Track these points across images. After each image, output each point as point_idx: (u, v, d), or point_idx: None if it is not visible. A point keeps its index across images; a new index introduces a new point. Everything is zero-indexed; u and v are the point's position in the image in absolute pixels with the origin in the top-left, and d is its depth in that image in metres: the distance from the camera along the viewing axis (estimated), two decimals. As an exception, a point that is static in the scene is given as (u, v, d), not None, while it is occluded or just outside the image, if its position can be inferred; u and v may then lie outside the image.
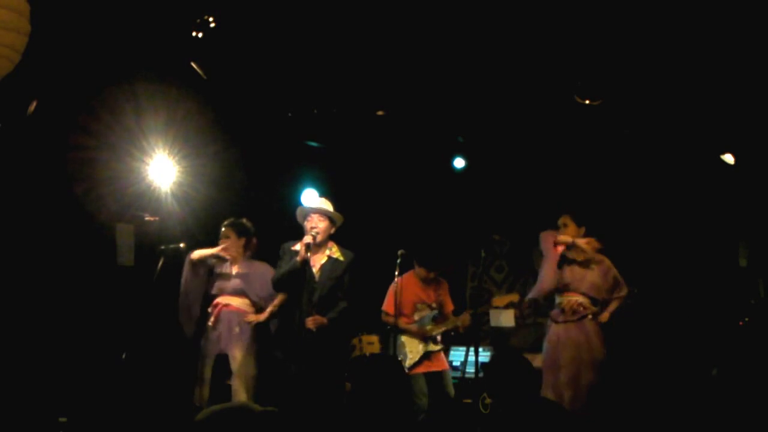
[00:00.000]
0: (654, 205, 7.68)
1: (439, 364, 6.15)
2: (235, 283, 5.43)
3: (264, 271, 5.53)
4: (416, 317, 6.18)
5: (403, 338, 6.14)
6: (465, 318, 6.17)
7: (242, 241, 5.49)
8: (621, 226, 7.71)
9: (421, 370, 6.08)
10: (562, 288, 5.57)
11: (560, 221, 5.70)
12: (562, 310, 5.54)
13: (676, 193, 7.58)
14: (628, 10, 5.33)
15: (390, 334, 6.23)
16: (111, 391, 5.45)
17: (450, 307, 6.26)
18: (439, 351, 6.16)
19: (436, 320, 6.14)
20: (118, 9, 5.06)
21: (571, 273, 5.56)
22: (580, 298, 5.51)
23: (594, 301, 5.54)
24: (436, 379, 6.09)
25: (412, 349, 6.09)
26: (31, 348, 5.39)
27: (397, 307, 6.01)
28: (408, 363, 6.08)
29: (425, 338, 6.10)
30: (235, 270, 5.48)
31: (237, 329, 5.35)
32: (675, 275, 7.44)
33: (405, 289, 6.19)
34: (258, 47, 5.90)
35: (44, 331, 5.49)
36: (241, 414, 2.23)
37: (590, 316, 5.49)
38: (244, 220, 5.57)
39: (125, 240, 6.09)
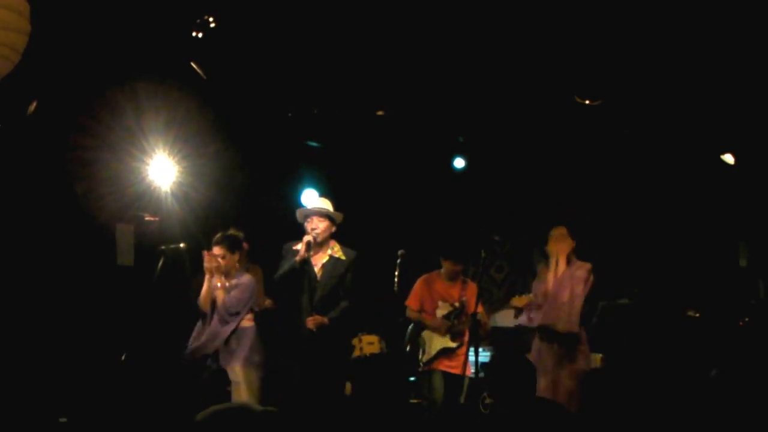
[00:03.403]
0: (654, 206, 7.69)
1: (457, 367, 6.10)
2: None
3: (243, 284, 5.32)
4: (438, 314, 6.18)
5: (424, 334, 6.15)
6: (483, 316, 6.09)
7: (237, 255, 5.40)
8: (621, 226, 7.73)
9: (437, 366, 6.05)
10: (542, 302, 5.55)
11: (556, 232, 5.61)
12: None
13: (677, 193, 7.59)
14: (627, 10, 5.33)
15: (406, 333, 6.26)
16: (111, 391, 5.45)
17: (473, 309, 6.20)
18: (458, 350, 6.09)
19: (457, 317, 6.11)
20: (117, 9, 5.06)
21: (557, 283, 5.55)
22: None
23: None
24: (452, 381, 6.07)
25: (429, 345, 6.09)
26: (31, 348, 5.39)
27: (420, 301, 6.12)
28: (424, 358, 6.07)
29: (444, 332, 6.09)
30: (228, 285, 5.42)
31: (234, 345, 5.29)
32: (675, 275, 7.45)
33: (429, 287, 6.21)
34: (258, 47, 5.90)
35: (44, 331, 5.49)
36: (241, 414, 2.23)
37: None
38: (232, 232, 5.40)
39: (125, 240, 6.09)
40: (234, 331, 5.27)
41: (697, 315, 7.01)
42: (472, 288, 6.21)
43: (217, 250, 5.27)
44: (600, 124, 7.18)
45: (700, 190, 7.51)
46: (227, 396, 5.23)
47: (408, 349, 6.27)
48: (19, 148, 5.34)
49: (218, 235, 5.33)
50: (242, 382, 5.19)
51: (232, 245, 5.33)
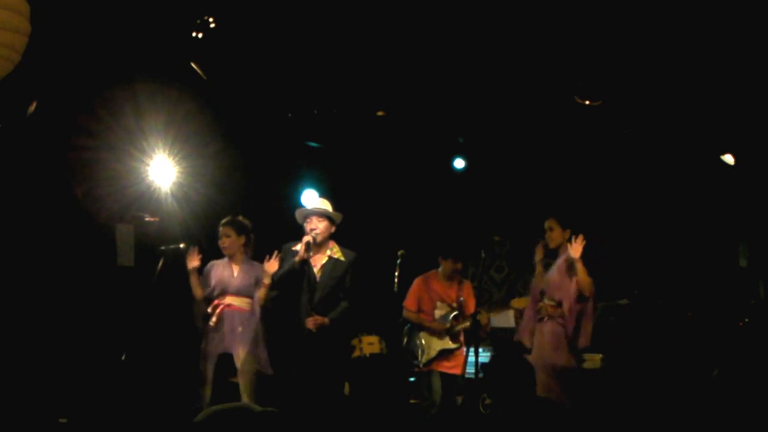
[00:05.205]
0: (654, 206, 7.69)
1: (455, 367, 6.10)
2: (237, 282, 5.41)
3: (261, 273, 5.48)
4: (436, 315, 6.18)
5: (422, 334, 6.14)
6: (483, 317, 6.08)
7: (242, 239, 5.44)
8: (621, 227, 7.72)
9: (436, 367, 6.06)
10: (540, 296, 5.55)
11: (546, 225, 5.62)
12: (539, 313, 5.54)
13: (677, 193, 7.59)
14: (627, 10, 5.33)
15: (403, 330, 6.26)
16: (111, 391, 5.45)
17: (472, 308, 6.20)
18: (456, 351, 6.10)
19: (456, 319, 6.12)
20: (118, 9, 5.06)
21: (546, 280, 5.55)
22: (548, 302, 5.48)
23: (556, 303, 5.46)
24: (449, 382, 6.07)
25: (429, 345, 6.09)
26: (31, 348, 5.39)
27: (418, 302, 6.12)
28: (424, 359, 6.07)
29: (443, 335, 6.09)
30: (236, 270, 5.45)
31: (240, 328, 5.33)
32: (675, 276, 7.44)
33: (427, 287, 6.20)
34: (258, 47, 5.90)
35: (44, 331, 5.50)
36: (241, 414, 2.23)
37: (546, 319, 5.44)
38: (241, 218, 5.52)
39: (125, 240, 6.09)
40: (241, 314, 5.32)
41: (697, 315, 7.01)
42: (468, 288, 6.23)
43: (223, 230, 5.38)
44: (600, 124, 7.18)
45: (700, 190, 7.51)
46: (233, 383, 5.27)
47: (405, 345, 6.28)
48: (19, 148, 5.34)
49: (227, 218, 5.44)
50: (245, 369, 5.23)
51: (239, 228, 5.39)
